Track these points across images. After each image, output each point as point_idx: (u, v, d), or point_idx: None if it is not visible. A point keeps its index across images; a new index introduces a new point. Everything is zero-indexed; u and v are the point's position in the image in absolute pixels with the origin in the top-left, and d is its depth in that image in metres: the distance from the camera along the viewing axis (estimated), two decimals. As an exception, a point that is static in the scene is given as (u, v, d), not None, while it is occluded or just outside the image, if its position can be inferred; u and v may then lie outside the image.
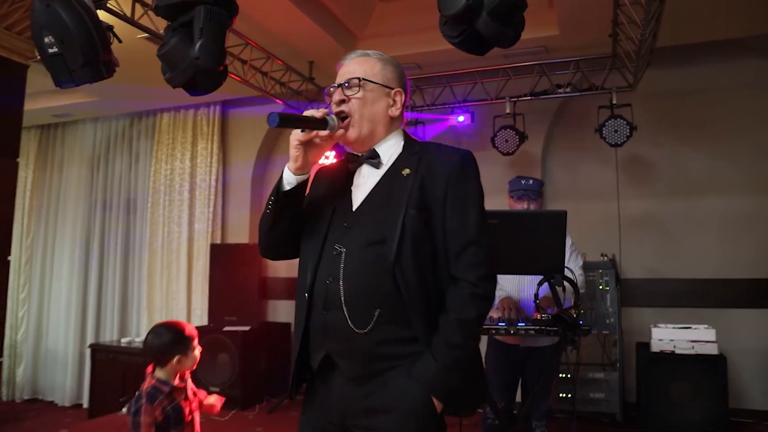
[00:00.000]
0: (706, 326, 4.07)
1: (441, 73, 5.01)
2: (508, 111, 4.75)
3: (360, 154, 1.70)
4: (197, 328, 5.47)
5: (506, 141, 4.70)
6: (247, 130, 6.14)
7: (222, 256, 5.59)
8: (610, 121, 4.33)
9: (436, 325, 1.57)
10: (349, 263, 1.58)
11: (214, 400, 2.63)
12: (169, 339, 2.42)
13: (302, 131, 1.61)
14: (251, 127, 6.11)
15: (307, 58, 4.95)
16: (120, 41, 3.21)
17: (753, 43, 4.56)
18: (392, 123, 1.73)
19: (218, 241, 5.97)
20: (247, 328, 5.23)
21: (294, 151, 1.63)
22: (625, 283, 4.65)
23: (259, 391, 5.27)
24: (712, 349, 3.97)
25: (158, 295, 6.05)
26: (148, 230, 6.18)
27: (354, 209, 1.65)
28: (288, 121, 1.55)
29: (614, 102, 4.41)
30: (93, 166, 6.62)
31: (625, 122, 4.28)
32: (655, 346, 4.08)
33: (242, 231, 6.04)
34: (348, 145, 1.71)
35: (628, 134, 4.27)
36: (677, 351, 4.02)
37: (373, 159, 1.68)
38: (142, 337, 5.80)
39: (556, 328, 2.71)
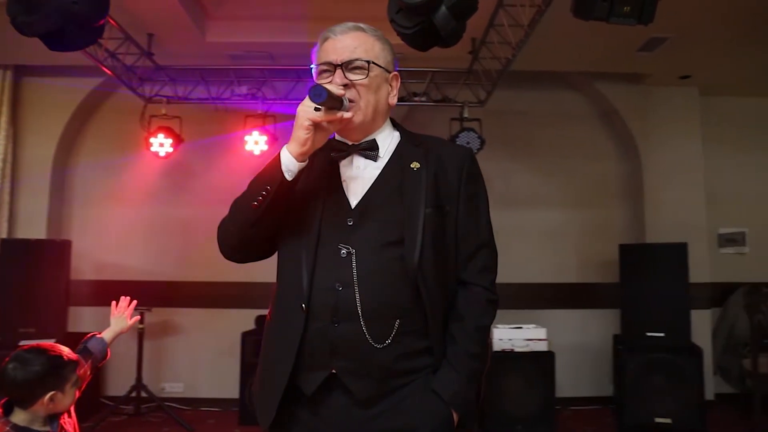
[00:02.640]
0: (534, 325, 4.51)
1: (295, 66, 4.78)
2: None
3: (350, 143, 1.49)
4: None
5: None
6: (48, 104, 5.13)
7: (15, 254, 4.56)
8: (463, 134, 4.57)
9: (446, 332, 1.45)
10: (362, 267, 1.37)
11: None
12: (42, 369, 1.81)
13: (317, 109, 1.36)
14: (55, 102, 5.12)
15: (147, 30, 4.31)
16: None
17: (569, 78, 5.23)
18: (388, 111, 1.57)
19: (4, 236, 4.87)
20: (51, 342, 4.32)
21: (304, 132, 1.36)
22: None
23: (63, 417, 4.39)
24: (543, 346, 4.41)
25: None
26: None
27: (354, 204, 1.44)
28: (329, 98, 1.31)
29: (466, 116, 4.67)
30: None
31: (476, 135, 4.55)
32: (497, 346, 4.39)
33: (38, 224, 5.01)
34: (345, 132, 1.50)
35: (478, 147, 4.54)
36: (516, 349, 4.38)
37: (371, 151, 1.48)
38: None
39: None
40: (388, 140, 1.53)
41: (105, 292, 5.22)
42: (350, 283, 1.36)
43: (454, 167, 1.50)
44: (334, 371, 1.36)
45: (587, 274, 5.13)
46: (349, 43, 1.45)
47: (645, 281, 4.42)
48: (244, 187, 1.45)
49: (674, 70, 4.83)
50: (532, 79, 5.13)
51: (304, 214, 1.45)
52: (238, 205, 1.45)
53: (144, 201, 5.08)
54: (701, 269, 4.80)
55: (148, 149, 4.66)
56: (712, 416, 4.35)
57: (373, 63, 1.45)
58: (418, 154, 1.50)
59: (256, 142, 4.62)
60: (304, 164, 1.40)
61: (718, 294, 5.10)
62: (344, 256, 1.38)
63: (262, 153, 4.63)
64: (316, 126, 1.37)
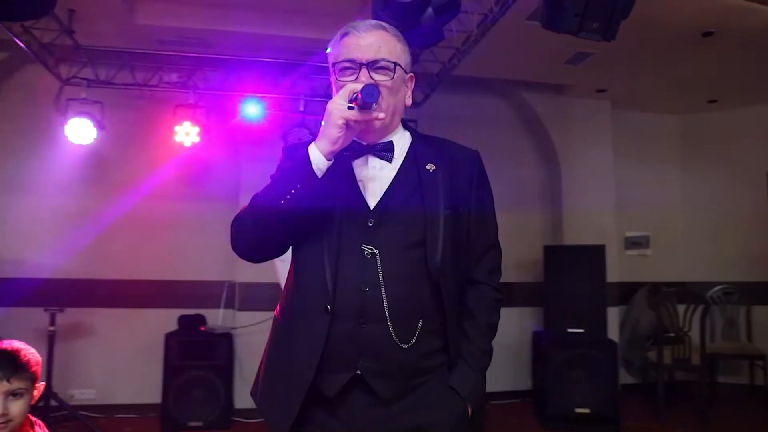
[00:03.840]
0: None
1: (232, 56, 4.60)
2: (301, 109, 4.64)
3: (365, 143, 1.48)
4: None
5: (300, 139, 4.60)
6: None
7: None
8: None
9: (459, 330, 1.49)
10: (387, 268, 1.38)
11: None
12: None
13: (350, 108, 1.34)
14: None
15: (68, 5, 3.96)
16: None
17: (497, 86, 5.45)
18: (403, 112, 1.57)
19: None
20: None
21: (337, 131, 1.34)
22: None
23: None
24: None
25: None
26: None
27: (373, 205, 1.44)
28: None
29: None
30: None
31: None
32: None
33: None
34: (364, 132, 1.46)
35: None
36: (447, 346, 4.49)
37: (387, 152, 1.48)
38: None
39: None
40: (401, 141, 1.53)
41: (6, 292, 4.81)
42: (376, 284, 1.36)
43: (466, 170, 1.54)
44: (358, 372, 1.36)
45: (509, 274, 5.33)
46: (373, 41, 1.43)
47: (566, 280, 4.72)
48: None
49: (594, 83, 5.19)
50: (460, 84, 5.27)
51: (320, 214, 1.42)
52: (261, 202, 1.40)
53: (55, 191, 4.65)
54: (612, 269, 5.16)
55: (63, 135, 4.27)
56: (621, 404, 4.71)
57: (399, 65, 1.45)
58: (431, 156, 1.52)
59: (187, 134, 4.38)
60: (330, 163, 1.38)
61: (624, 293, 5.55)
62: (368, 257, 1.38)
63: (194, 145, 4.41)
64: (347, 125, 1.34)
